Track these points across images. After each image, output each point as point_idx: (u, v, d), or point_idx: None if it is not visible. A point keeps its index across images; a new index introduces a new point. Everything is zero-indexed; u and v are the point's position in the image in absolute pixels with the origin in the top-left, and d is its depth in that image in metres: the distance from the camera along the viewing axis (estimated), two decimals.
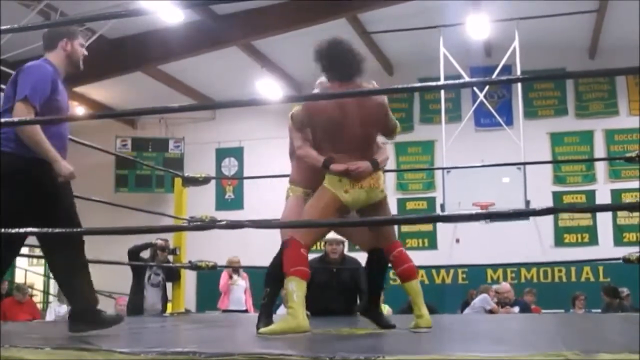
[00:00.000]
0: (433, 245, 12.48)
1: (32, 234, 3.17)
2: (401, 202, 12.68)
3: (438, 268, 12.16)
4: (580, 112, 12.57)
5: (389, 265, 3.78)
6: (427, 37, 11.28)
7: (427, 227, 12.41)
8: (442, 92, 11.53)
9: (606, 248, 11.36)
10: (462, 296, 10.54)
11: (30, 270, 13.66)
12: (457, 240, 12.00)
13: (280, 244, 3.59)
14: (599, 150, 12.26)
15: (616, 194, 11.89)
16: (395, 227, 5.35)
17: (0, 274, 3.44)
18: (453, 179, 10.79)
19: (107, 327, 3.26)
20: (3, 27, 3.01)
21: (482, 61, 12.09)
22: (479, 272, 11.76)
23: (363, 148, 3.54)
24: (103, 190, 10.72)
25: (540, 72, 11.58)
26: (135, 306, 7.33)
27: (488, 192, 10.37)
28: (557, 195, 12.18)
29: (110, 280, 10.62)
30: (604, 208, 8.13)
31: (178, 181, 6.22)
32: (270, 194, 11.12)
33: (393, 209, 12.06)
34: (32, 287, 12.68)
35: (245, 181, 13.29)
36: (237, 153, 13.79)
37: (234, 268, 9.00)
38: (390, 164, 9.57)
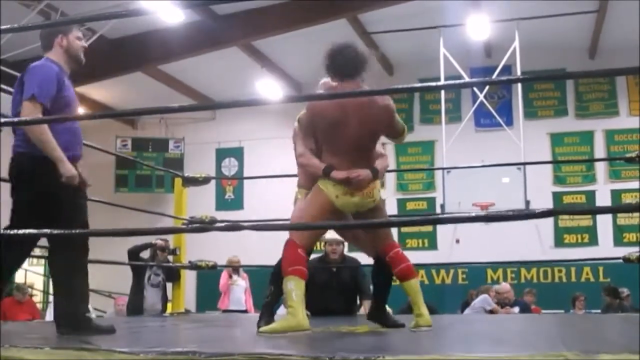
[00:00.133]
0: (433, 245, 12.49)
1: (32, 234, 3.12)
2: (401, 203, 12.70)
3: (438, 268, 12.19)
4: (580, 112, 12.57)
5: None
6: (427, 38, 11.29)
7: (427, 228, 12.45)
8: (442, 92, 11.53)
9: (606, 248, 11.36)
10: (462, 296, 10.52)
11: (30, 270, 13.65)
12: (457, 241, 12.00)
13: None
14: (599, 151, 12.26)
15: (616, 194, 11.89)
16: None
17: (9, 273, 3.41)
18: (453, 179, 10.80)
19: (96, 334, 3.12)
20: (3, 27, 3.00)
21: (482, 61, 12.10)
22: (479, 272, 11.77)
23: (361, 149, 3.53)
24: (103, 191, 10.65)
25: (540, 72, 11.60)
26: (135, 306, 7.33)
27: (488, 192, 10.38)
28: (557, 196, 12.18)
29: (110, 280, 10.65)
30: (602, 210, 8.08)
31: (178, 181, 6.22)
32: (270, 194, 11.21)
33: (393, 209, 12.19)
34: (32, 287, 12.66)
35: (245, 181, 13.29)
36: (237, 153, 13.80)
37: (234, 268, 9.01)
38: (391, 164, 9.55)
